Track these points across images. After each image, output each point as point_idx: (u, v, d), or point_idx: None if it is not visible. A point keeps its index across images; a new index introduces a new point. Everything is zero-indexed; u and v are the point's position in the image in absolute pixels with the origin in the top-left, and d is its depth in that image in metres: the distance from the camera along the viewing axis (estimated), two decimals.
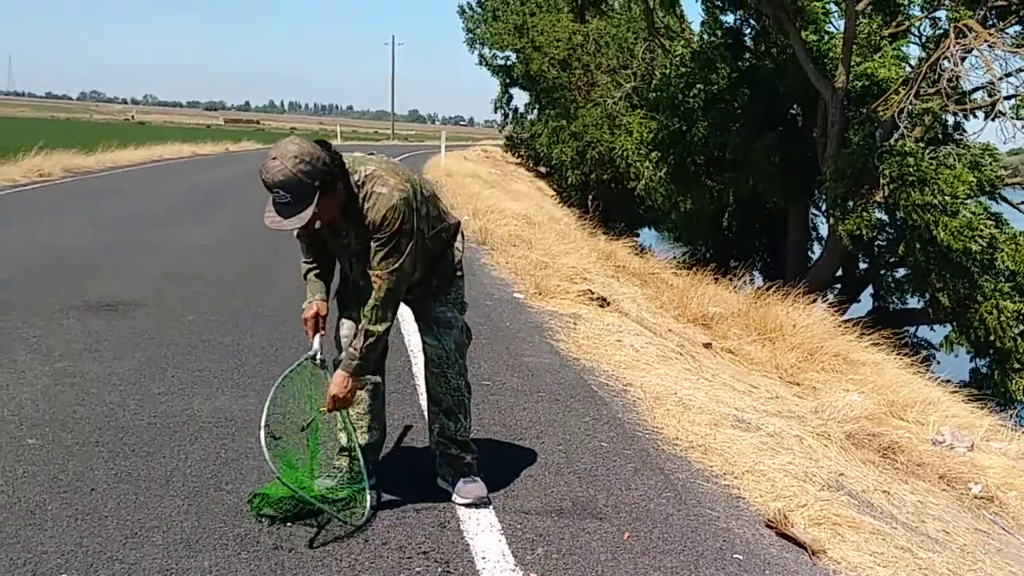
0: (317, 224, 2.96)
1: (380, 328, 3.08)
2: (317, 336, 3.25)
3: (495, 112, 42.26)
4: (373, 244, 3.03)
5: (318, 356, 3.23)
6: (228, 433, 3.94)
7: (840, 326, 10.68)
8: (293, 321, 6.18)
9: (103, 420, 4.01)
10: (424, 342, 3.34)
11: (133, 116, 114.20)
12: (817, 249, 18.81)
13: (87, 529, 2.97)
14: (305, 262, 3.31)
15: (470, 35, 38.67)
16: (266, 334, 5.73)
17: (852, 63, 14.85)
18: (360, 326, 3.10)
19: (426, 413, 3.45)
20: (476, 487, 3.38)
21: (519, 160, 45.26)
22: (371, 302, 3.06)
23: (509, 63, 36.99)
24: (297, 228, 2.92)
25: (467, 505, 3.32)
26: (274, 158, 2.82)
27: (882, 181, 13.50)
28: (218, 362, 5.06)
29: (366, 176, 3.02)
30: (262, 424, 3.01)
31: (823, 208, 17.64)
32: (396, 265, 3.03)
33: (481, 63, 38.55)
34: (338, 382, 3.08)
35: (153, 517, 3.08)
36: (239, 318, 6.18)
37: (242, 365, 5.03)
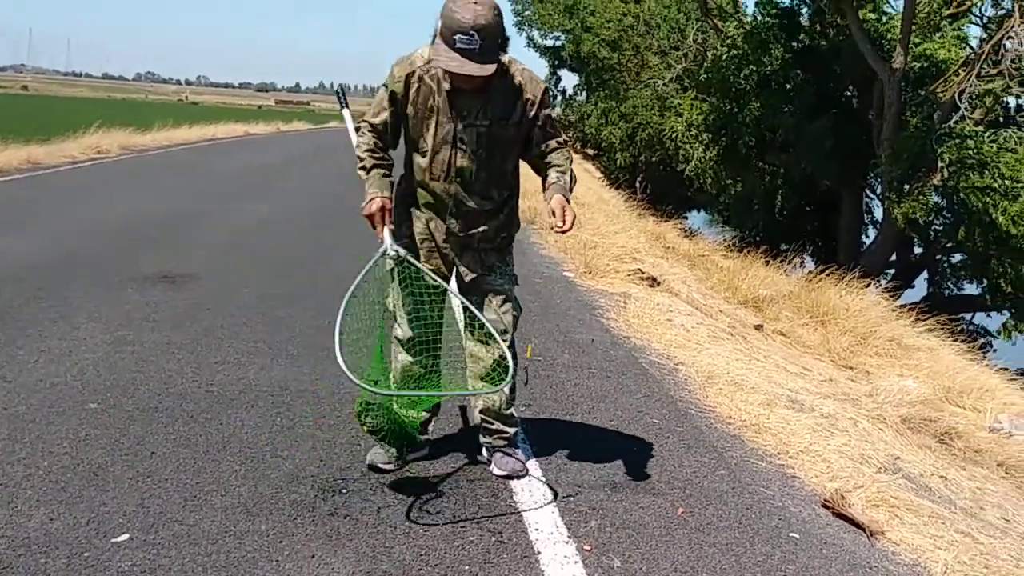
0: (470, 86, 2.98)
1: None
2: (386, 229, 3.10)
3: None
4: (545, 119, 3.15)
5: (392, 250, 3.07)
6: (283, 402, 3.99)
7: (894, 311, 10.52)
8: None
9: (162, 387, 4.07)
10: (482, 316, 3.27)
11: (187, 97, 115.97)
12: (871, 233, 18.51)
13: (148, 491, 3.02)
14: (373, 155, 3.15)
15: (518, 18, 38.50)
16: (319, 306, 5.77)
17: (911, 44, 14.52)
18: (565, 176, 3.16)
19: (470, 387, 3.39)
20: (512, 460, 3.37)
21: (567, 142, 45.05)
22: (564, 160, 3.19)
23: (558, 44, 36.81)
24: (481, 74, 2.87)
25: (504, 477, 3.32)
26: (475, 2, 2.83)
27: (940, 164, 13.20)
28: (272, 334, 5.11)
29: (509, 59, 3.09)
30: (336, 336, 2.91)
31: (878, 191, 17.34)
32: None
33: (529, 45, 38.40)
34: (564, 204, 3.05)
35: (211, 481, 3.13)
36: (293, 292, 6.23)
37: (296, 337, 5.07)
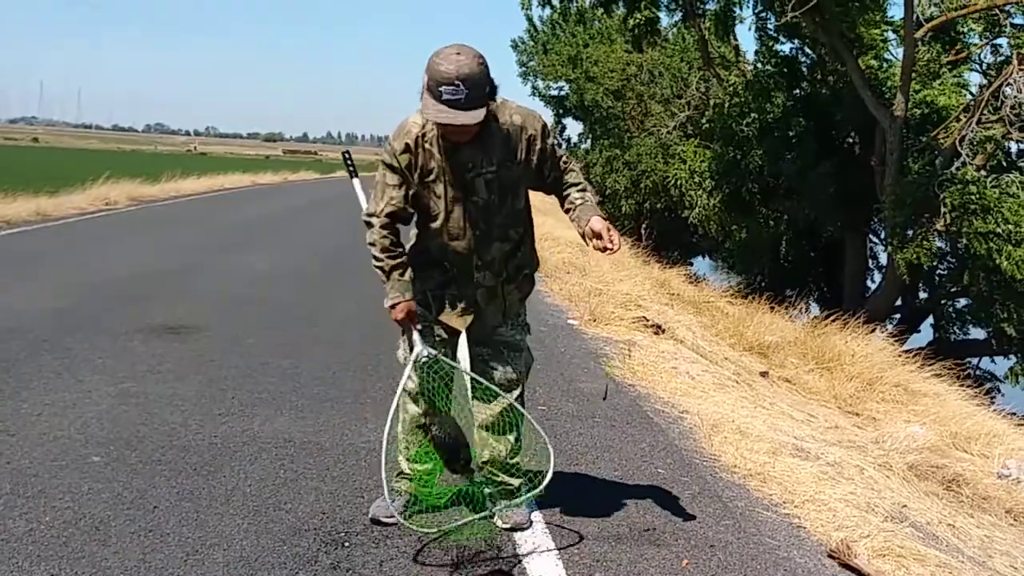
0: (465, 138, 3.00)
1: None
2: (416, 333, 3.13)
3: None
4: (551, 149, 3.20)
5: (424, 356, 3.11)
6: (287, 454, 3.98)
7: (900, 356, 10.46)
8: (351, 344, 6.28)
9: (165, 439, 4.08)
10: (491, 367, 3.24)
11: (195, 147, 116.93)
12: (876, 278, 18.51)
13: (150, 545, 3.01)
14: (389, 255, 3.11)
15: (523, 68, 38.98)
16: (324, 357, 5.80)
17: (911, 91, 14.65)
18: (587, 193, 3.26)
19: (476, 438, 3.38)
20: (518, 512, 3.34)
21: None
22: (580, 177, 3.30)
23: (562, 94, 37.18)
24: (470, 122, 2.88)
25: (508, 529, 3.29)
26: (457, 53, 2.86)
27: (943, 209, 13.23)
28: (277, 384, 5.12)
29: (502, 100, 3.09)
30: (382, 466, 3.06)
31: (882, 237, 17.36)
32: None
33: (534, 94, 38.76)
34: (606, 224, 3.10)
35: (214, 535, 3.12)
36: (298, 342, 6.25)
37: (301, 387, 5.08)
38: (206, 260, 10.47)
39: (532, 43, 38.51)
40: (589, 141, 36.09)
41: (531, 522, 3.36)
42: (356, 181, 3.45)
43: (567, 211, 3.27)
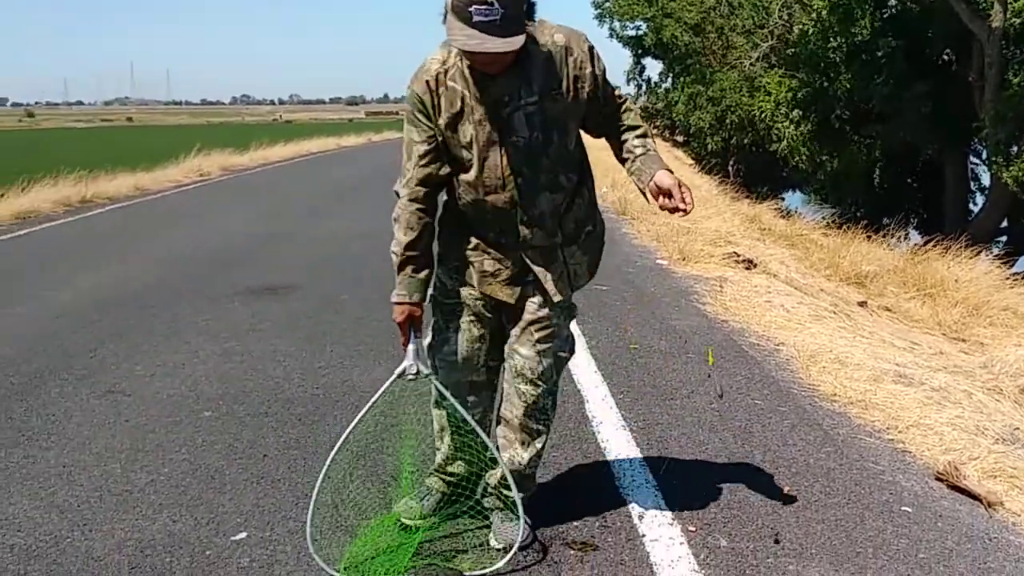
0: (497, 69, 2.40)
1: None
2: (412, 345, 2.71)
3: (628, 84, 41.68)
4: (603, 77, 2.56)
5: (414, 371, 2.72)
6: (387, 402, 4.07)
7: (1007, 279, 10.08)
8: None
9: (270, 393, 4.23)
10: (515, 351, 2.70)
11: (281, 116, 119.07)
12: (979, 201, 17.81)
13: (263, 491, 3.15)
14: (408, 240, 2.59)
15: (599, 10, 38.29)
16: None
17: None
18: (649, 141, 2.66)
19: (498, 433, 2.87)
20: (514, 528, 2.71)
21: (655, 131, 44.69)
22: (638, 119, 2.69)
23: (640, 33, 36.46)
24: (506, 50, 2.27)
25: (500, 549, 2.71)
26: None
27: None
28: (373, 336, 5.24)
29: (540, 20, 2.50)
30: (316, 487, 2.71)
31: (983, 156, 16.67)
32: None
33: (611, 36, 38.11)
34: (675, 179, 2.51)
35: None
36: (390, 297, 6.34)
37: (396, 339, 5.14)
38: (297, 223, 10.70)
39: None
40: (670, 80, 35.43)
41: (515, 541, 2.74)
42: None
43: (623, 161, 2.66)
